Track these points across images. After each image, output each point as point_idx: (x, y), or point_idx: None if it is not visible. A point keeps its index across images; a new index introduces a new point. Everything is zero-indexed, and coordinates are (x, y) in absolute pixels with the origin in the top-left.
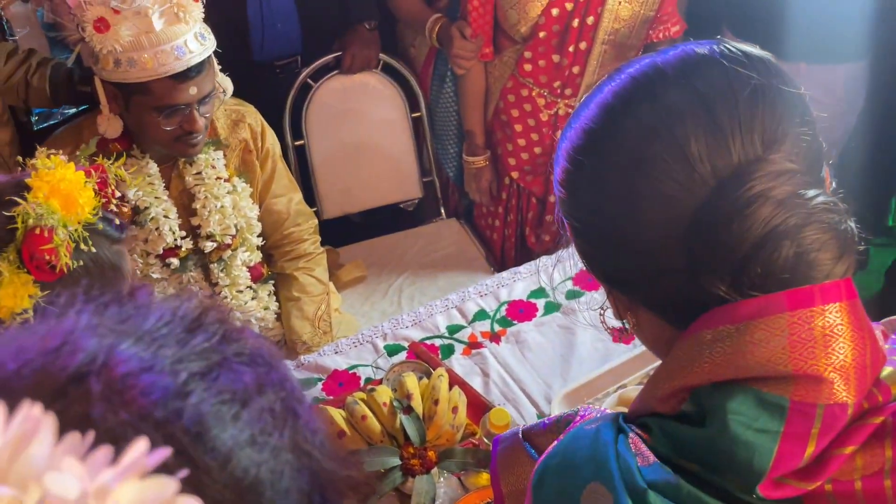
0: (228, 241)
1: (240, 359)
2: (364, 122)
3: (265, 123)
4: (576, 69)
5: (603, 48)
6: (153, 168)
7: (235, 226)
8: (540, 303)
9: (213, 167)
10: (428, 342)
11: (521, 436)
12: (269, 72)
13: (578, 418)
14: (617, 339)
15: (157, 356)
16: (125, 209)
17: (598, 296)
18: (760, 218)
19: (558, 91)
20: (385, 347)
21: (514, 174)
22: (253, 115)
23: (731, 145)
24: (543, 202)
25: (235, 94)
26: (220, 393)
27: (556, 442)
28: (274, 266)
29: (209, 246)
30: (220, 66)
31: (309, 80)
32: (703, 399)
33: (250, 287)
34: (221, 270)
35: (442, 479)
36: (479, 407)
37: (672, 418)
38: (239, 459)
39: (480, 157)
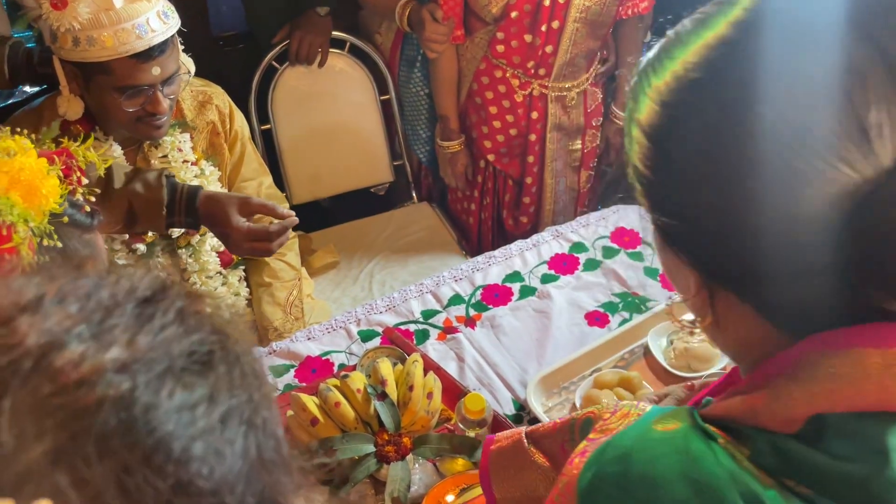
0: None
1: (192, 360)
2: (332, 106)
3: (233, 105)
4: (549, 48)
5: (575, 26)
6: (117, 151)
7: None
8: (515, 287)
9: (180, 150)
10: (402, 327)
11: (524, 438)
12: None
13: (609, 414)
14: (690, 332)
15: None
16: (92, 198)
17: (574, 279)
18: None
19: (532, 71)
20: (359, 333)
21: (490, 157)
22: (220, 97)
23: None
24: (520, 184)
25: (200, 76)
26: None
27: (597, 443)
28: None
29: (177, 231)
30: (182, 47)
31: (274, 63)
32: (846, 425)
33: (220, 273)
34: (190, 256)
35: (417, 465)
36: (454, 392)
37: (791, 437)
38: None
39: (455, 142)
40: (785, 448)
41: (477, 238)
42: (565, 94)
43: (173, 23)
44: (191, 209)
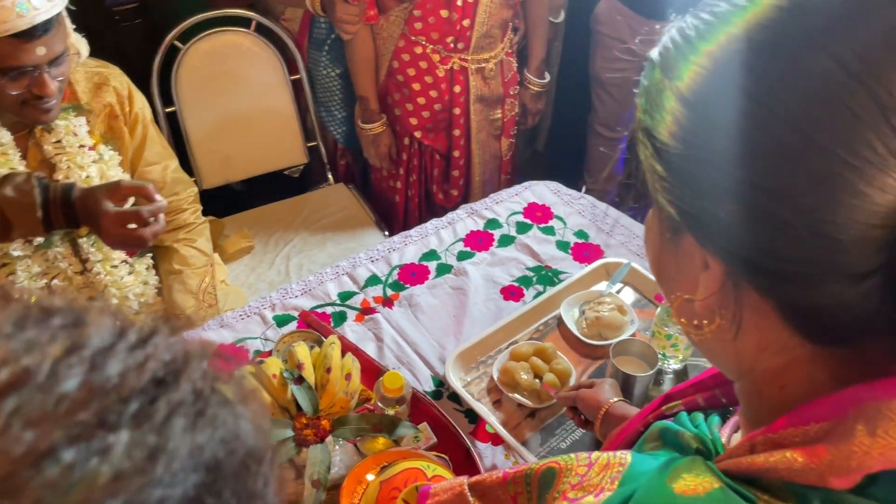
0: None
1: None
2: (240, 87)
3: (132, 86)
4: (466, 22)
5: None
6: (5, 137)
7: None
8: (432, 265)
9: (75, 134)
10: (319, 311)
11: (467, 490)
12: (129, 28)
13: (585, 468)
14: (694, 337)
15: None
16: None
17: (489, 255)
18: None
19: (451, 46)
20: (274, 318)
21: (417, 133)
22: (118, 78)
23: None
24: (448, 158)
25: (95, 56)
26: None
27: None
28: None
29: None
30: (74, 27)
31: (176, 43)
32: None
33: (126, 262)
34: (92, 245)
35: (337, 446)
36: (373, 372)
37: (847, 492)
38: None
39: (377, 123)
40: None
41: (404, 216)
42: (484, 65)
43: (59, 0)
44: (67, 206)
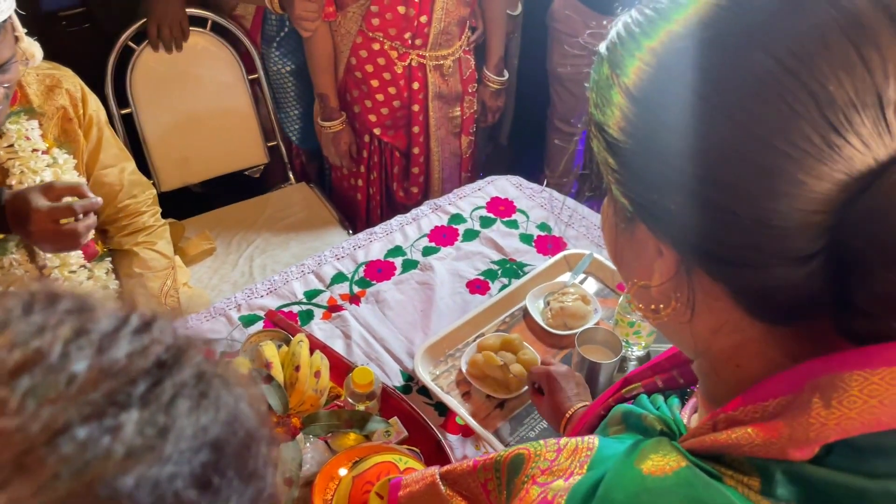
0: None
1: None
2: (197, 87)
3: (86, 88)
4: (423, 18)
5: None
6: None
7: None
8: (397, 261)
9: (28, 138)
10: (285, 309)
11: (439, 480)
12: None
13: (554, 453)
14: (652, 320)
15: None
16: None
17: (454, 250)
18: None
19: (409, 42)
20: (240, 319)
21: (377, 130)
22: (70, 80)
23: None
24: (408, 155)
25: (48, 59)
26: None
27: (554, 488)
28: (110, 242)
29: None
30: (25, 31)
31: (130, 43)
32: (882, 442)
33: (84, 266)
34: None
35: (308, 444)
36: (342, 369)
37: (808, 463)
38: None
39: (337, 121)
40: (807, 476)
41: (366, 214)
42: (442, 62)
43: (5, 5)
44: None
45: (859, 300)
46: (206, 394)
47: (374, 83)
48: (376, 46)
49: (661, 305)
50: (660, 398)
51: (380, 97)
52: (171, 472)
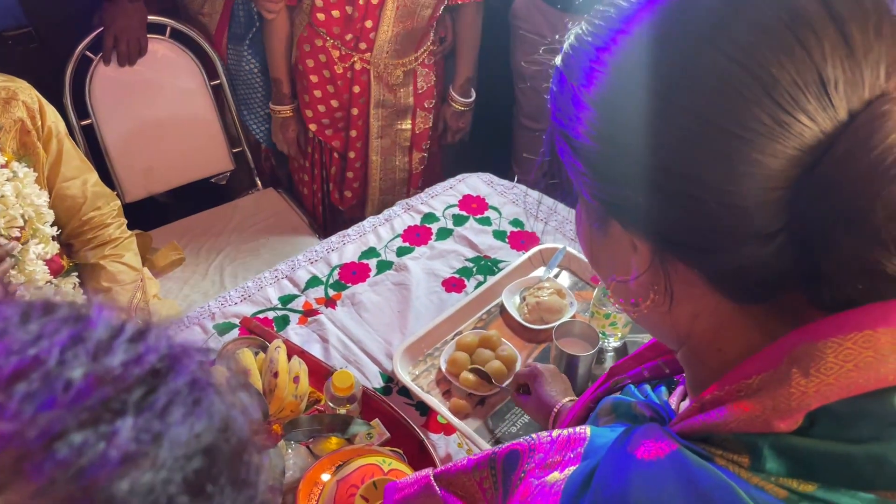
0: (16, 233)
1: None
2: (159, 95)
3: (43, 100)
4: (368, 23)
5: (396, 3)
6: None
7: (22, 216)
8: (372, 262)
9: None
10: (261, 316)
11: (434, 481)
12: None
13: (548, 444)
14: (632, 313)
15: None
16: None
17: (428, 249)
18: None
19: (352, 44)
20: (214, 327)
21: (312, 127)
22: (27, 92)
23: (863, 72)
24: (344, 157)
25: (3, 71)
26: None
27: (549, 483)
28: (76, 256)
29: None
30: None
31: (88, 53)
32: (861, 407)
33: (50, 282)
34: (13, 267)
35: (290, 450)
36: (321, 373)
37: (794, 434)
38: None
39: (287, 107)
40: (793, 447)
41: (312, 212)
42: (390, 72)
43: None
44: None
45: (825, 269)
46: (199, 401)
47: (314, 78)
48: (319, 42)
49: (640, 298)
50: (647, 387)
51: (317, 93)
52: (165, 478)
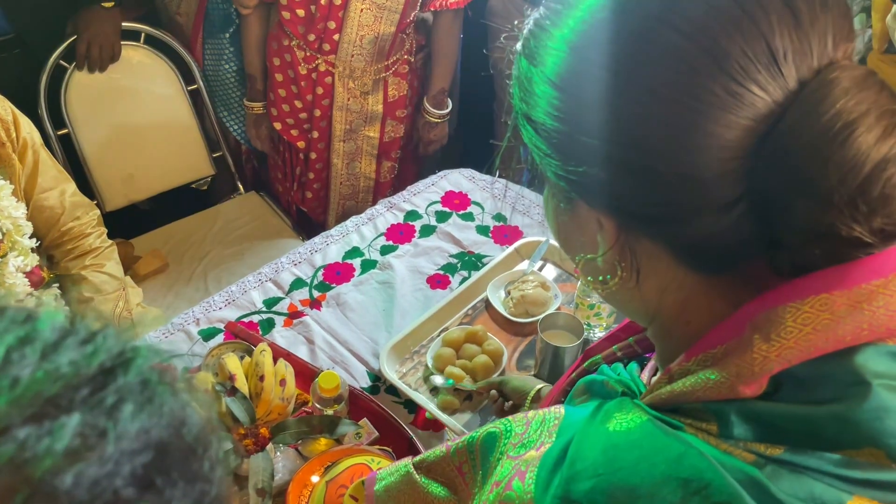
0: None
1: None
2: (135, 102)
3: (16, 111)
4: (332, 24)
5: (360, 6)
6: None
7: (0, 229)
8: (356, 262)
9: None
10: (245, 320)
11: (413, 469)
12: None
13: (524, 426)
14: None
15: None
16: None
17: (412, 247)
18: (868, 139)
19: (316, 45)
20: (199, 333)
21: (277, 125)
22: (0, 103)
23: (811, 42)
24: (307, 159)
25: None
26: None
27: (527, 460)
28: (56, 268)
29: None
30: None
31: (62, 62)
32: (821, 369)
33: (31, 294)
34: None
35: (279, 453)
36: (308, 375)
37: (759, 400)
38: None
39: (259, 104)
40: (759, 412)
41: (287, 211)
42: (357, 77)
43: None
44: None
45: (783, 236)
46: (151, 399)
47: (279, 77)
48: (285, 42)
49: (609, 276)
50: (619, 366)
51: (282, 92)
52: (109, 471)
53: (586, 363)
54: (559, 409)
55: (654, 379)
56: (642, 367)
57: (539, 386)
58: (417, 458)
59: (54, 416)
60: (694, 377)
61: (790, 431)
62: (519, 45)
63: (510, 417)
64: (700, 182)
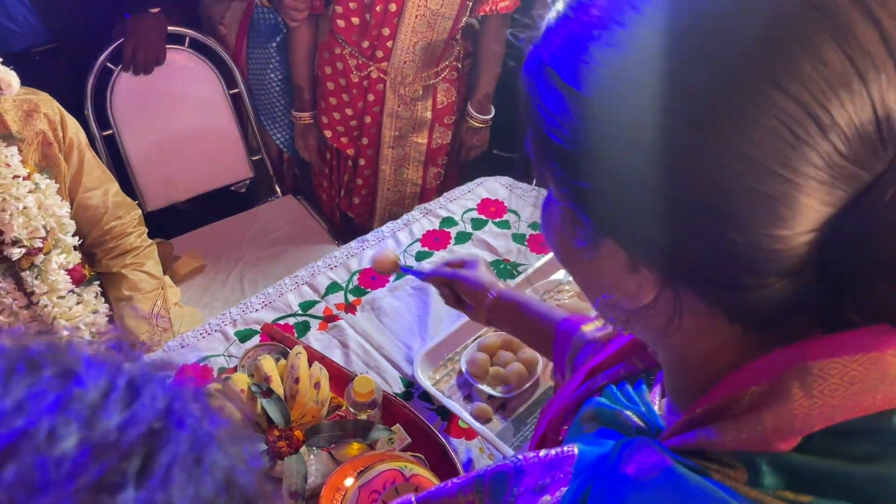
0: (38, 244)
1: None
2: (179, 105)
3: (64, 111)
4: (386, 31)
5: (415, 13)
6: None
7: (44, 227)
8: None
9: (8, 165)
10: (281, 322)
11: None
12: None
13: (527, 464)
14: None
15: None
16: None
17: (447, 254)
18: None
19: (369, 53)
20: (236, 334)
21: (327, 133)
22: (48, 104)
23: None
24: (356, 165)
25: (27, 84)
26: None
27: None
28: (98, 265)
29: (17, 253)
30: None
31: (109, 65)
32: (861, 427)
33: (73, 291)
34: (36, 277)
35: (312, 456)
36: (342, 379)
37: (793, 452)
38: None
39: (307, 114)
40: (792, 464)
41: (330, 219)
42: (408, 85)
43: None
44: None
45: (853, 307)
46: (200, 460)
47: (330, 85)
48: (337, 50)
49: (634, 317)
50: (628, 387)
51: (333, 101)
52: None
53: (589, 380)
54: (573, 449)
55: (665, 403)
56: (650, 386)
57: (494, 293)
58: (421, 495)
59: (109, 497)
60: (722, 424)
61: (824, 485)
62: (548, 59)
63: (520, 455)
64: (776, 253)
